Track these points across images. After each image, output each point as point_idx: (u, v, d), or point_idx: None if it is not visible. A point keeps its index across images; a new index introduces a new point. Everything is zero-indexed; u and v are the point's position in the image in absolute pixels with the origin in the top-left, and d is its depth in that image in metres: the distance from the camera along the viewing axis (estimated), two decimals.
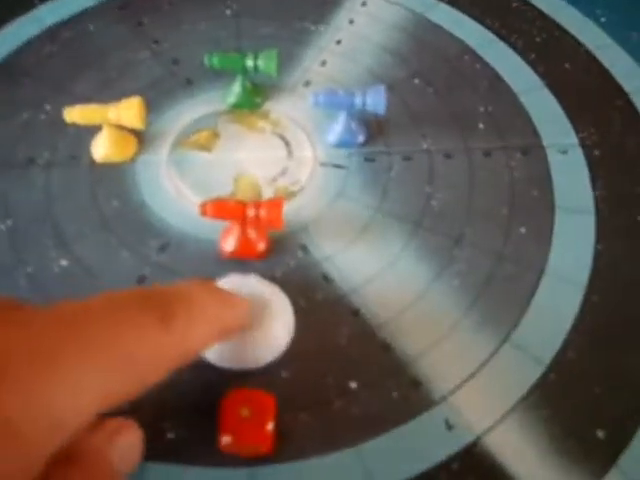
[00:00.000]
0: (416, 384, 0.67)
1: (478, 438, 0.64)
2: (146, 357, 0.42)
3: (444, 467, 0.62)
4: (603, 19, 1.00)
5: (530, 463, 0.62)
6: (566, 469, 0.62)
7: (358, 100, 0.78)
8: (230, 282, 0.68)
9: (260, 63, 0.81)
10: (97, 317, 0.41)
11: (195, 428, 0.63)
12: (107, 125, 0.79)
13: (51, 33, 0.97)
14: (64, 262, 0.74)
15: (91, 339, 0.39)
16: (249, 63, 0.81)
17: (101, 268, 0.73)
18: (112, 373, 0.40)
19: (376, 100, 0.77)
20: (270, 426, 0.60)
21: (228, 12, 0.99)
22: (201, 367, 0.64)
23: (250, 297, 0.65)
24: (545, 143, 0.85)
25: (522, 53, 0.95)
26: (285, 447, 0.62)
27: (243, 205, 0.70)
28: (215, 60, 0.82)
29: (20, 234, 0.76)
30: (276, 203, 0.70)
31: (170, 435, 0.62)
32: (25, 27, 0.97)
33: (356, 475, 0.61)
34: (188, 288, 0.51)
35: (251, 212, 0.69)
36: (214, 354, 0.65)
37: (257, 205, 0.70)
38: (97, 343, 0.39)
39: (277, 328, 0.66)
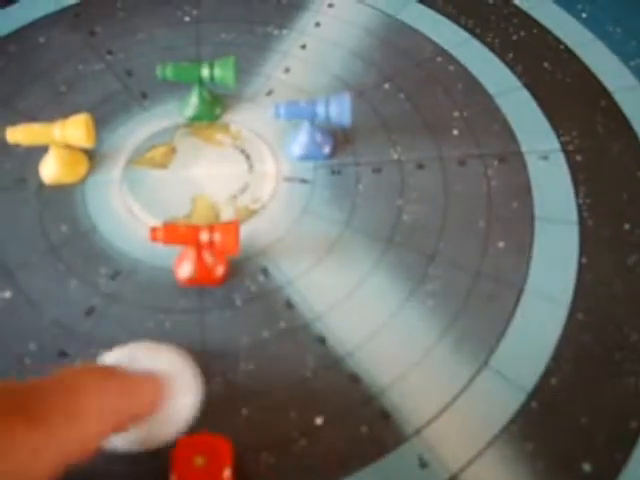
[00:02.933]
0: (386, 417, 0.62)
1: (454, 476, 0.59)
2: (16, 466, 0.37)
3: None
4: (584, 14, 0.95)
5: None
6: (547, 461, 0.58)
7: (321, 110, 0.73)
8: (116, 356, 0.62)
9: (217, 72, 0.76)
10: None
11: None
12: (54, 145, 0.74)
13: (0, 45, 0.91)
14: (7, 294, 0.68)
15: None
16: (205, 73, 0.76)
17: (47, 299, 0.68)
18: None
19: (340, 109, 0.72)
20: (227, 473, 0.55)
21: (187, 19, 0.94)
22: None
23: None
24: (524, 149, 0.80)
25: (499, 52, 0.90)
26: None
27: (196, 230, 0.64)
28: (168, 71, 0.76)
29: None
30: (231, 227, 0.65)
31: None
32: None
33: None
34: (73, 378, 0.46)
35: (205, 237, 0.64)
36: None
37: (211, 229, 0.64)
38: None
39: (179, 402, 0.60)
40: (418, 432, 0.61)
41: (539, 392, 0.63)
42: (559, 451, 0.60)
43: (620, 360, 0.65)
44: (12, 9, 0.96)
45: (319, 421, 0.61)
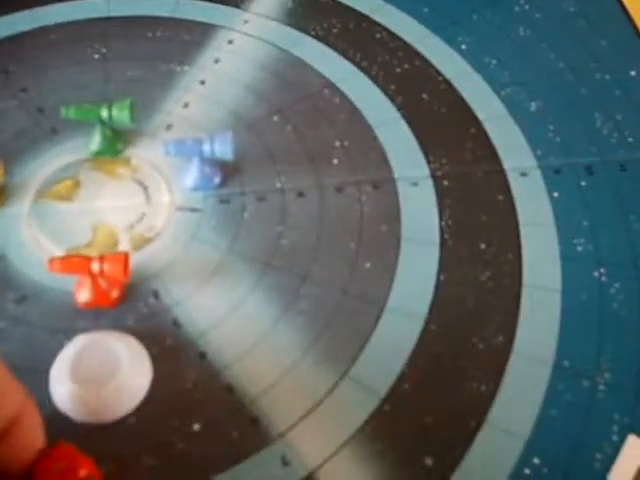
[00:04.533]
0: (255, 422, 0.71)
1: (312, 473, 0.68)
2: None
3: None
4: (464, 46, 1.04)
5: None
6: (396, 457, 0.67)
7: (206, 147, 0.81)
8: (79, 342, 0.71)
9: (114, 113, 0.84)
10: None
11: None
12: None
13: None
14: None
15: None
16: (104, 114, 0.84)
17: None
18: None
19: (223, 147, 0.81)
20: (83, 472, 0.61)
21: (96, 56, 1.01)
22: None
23: (101, 353, 0.69)
24: (397, 176, 0.89)
25: (382, 85, 0.99)
26: None
27: (88, 260, 0.73)
28: (71, 112, 0.84)
29: None
30: (119, 257, 0.73)
31: None
32: None
33: None
34: None
35: (95, 267, 0.73)
36: (71, 409, 0.68)
37: (101, 259, 0.73)
38: None
39: (132, 379, 0.70)
40: (282, 435, 0.70)
41: (391, 396, 0.73)
42: (405, 448, 0.70)
43: (466, 366, 0.75)
44: None
45: (197, 427, 0.70)
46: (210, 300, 0.78)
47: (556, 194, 0.87)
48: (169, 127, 0.93)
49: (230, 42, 1.04)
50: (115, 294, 0.77)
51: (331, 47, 1.04)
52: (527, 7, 1.11)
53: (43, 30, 1.05)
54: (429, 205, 0.87)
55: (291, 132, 0.93)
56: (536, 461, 0.69)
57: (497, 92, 0.99)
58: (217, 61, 1.01)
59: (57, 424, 0.69)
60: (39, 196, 0.86)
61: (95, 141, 0.89)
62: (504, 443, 0.70)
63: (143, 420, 0.71)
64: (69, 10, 1.07)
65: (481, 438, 0.70)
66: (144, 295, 0.79)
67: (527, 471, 0.68)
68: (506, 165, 0.90)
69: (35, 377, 0.72)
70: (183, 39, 1.04)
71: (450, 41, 1.05)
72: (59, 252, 0.81)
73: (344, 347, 0.75)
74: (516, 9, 1.10)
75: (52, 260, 0.73)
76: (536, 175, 0.89)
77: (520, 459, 0.69)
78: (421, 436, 0.70)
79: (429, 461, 0.69)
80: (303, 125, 0.94)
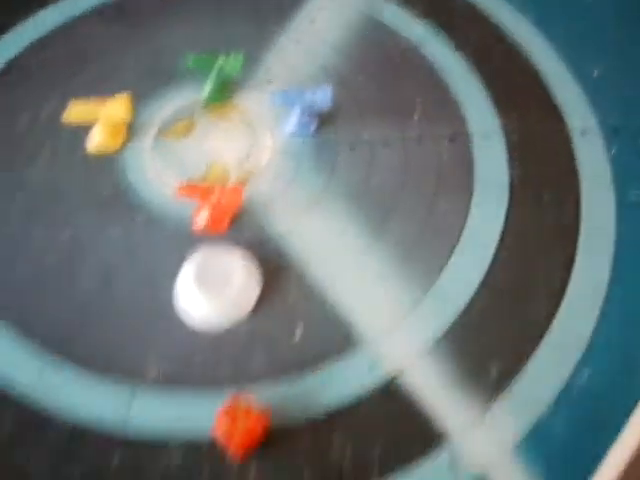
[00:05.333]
0: (348, 330, 0.84)
1: (395, 376, 0.81)
2: None
3: (368, 399, 0.79)
4: (534, 15, 1.15)
5: (440, 395, 0.80)
6: (468, 396, 0.80)
7: (308, 98, 0.94)
8: (201, 258, 0.85)
9: (228, 65, 0.97)
10: None
11: None
12: (99, 119, 0.95)
13: (52, 36, 1.12)
14: (67, 233, 0.91)
15: None
16: (219, 64, 0.97)
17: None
18: None
19: (322, 98, 0.94)
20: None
21: (206, 16, 1.14)
22: None
23: (220, 267, 0.83)
24: (471, 130, 1.01)
25: (459, 48, 1.10)
26: None
27: (210, 189, 0.86)
28: (192, 61, 0.98)
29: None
30: (235, 190, 0.87)
31: None
32: (28, 31, 1.13)
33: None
34: None
35: (216, 195, 0.86)
36: (192, 312, 0.83)
37: (221, 190, 0.86)
38: None
39: (244, 291, 0.84)
40: (370, 342, 0.83)
41: (468, 311, 0.85)
42: (475, 357, 0.82)
43: (529, 291, 0.87)
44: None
45: (298, 333, 0.83)
46: (308, 228, 0.91)
47: (613, 151, 0.98)
48: (270, 81, 1.06)
49: (323, 8, 1.15)
50: (226, 222, 0.90)
51: (413, 14, 1.15)
52: None
53: None
54: (499, 156, 0.98)
55: (376, 89, 1.05)
56: (587, 373, 0.81)
57: (563, 58, 1.09)
58: (312, 22, 1.13)
59: (185, 333, 0.83)
60: (160, 134, 1.00)
61: (209, 88, 1.02)
62: (560, 358, 0.82)
63: (252, 325, 0.84)
64: None
65: (541, 351, 0.82)
66: (252, 223, 0.92)
67: (579, 382, 0.80)
68: (569, 123, 1.01)
69: (161, 288, 0.86)
70: (282, 3, 1.16)
71: (521, 9, 1.15)
72: (177, 182, 0.94)
73: (425, 270, 0.88)
74: None
75: (181, 186, 0.86)
76: (596, 133, 1.00)
77: (573, 371, 0.81)
78: (490, 347, 0.83)
79: (495, 369, 0.81)
80: (387, 83, 1.06)
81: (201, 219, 0.90)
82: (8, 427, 0.78)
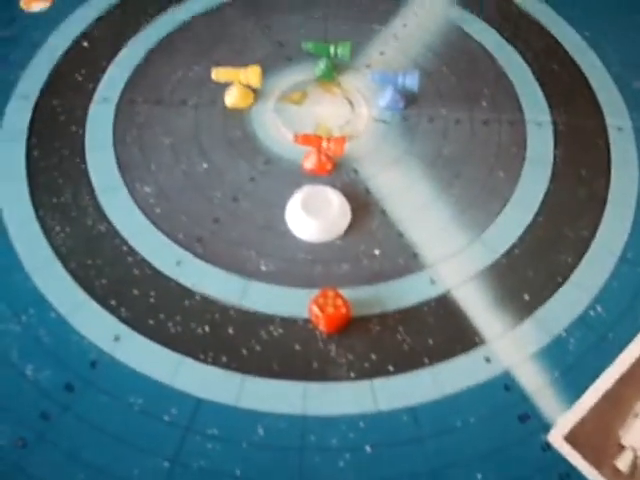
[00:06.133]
0: (415, 256, 1.09)
1: (449, 290, 1.06)
2: None
3: (426, 305, 1.04)
4: (587, 33, 1.40)
5: (482, 309, 1.05)
6: (504, 292, 1.05)
7: (400, 79, 1.21)
8: (308, 190, 1.12)
9: (339, 51, 1.25)
10: None
11: None
12: (237, 82, 1.23)
13: (198, 17, 1.42)
14: (204, 165, 1.19)
15: None
16: (332, 50, 1.25)
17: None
18: None
19: (412, 81, 1.20)
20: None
21: (320, 12, 1.42)
22: None
23: (322, 198, 1.10)
24: (527, 118, 1.26)
25: (523, 54, 1.36)
26: None
27: (320, 138, 1.13)
28: (310, 46, 1.25)
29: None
30: (341, 140, 1.13)
31: None
32: (180, 13, 1.42)
33: None
34: None
35: (325, 143, 1.13)
36: (300, 230, 1.10)
37: (328, 139, 1.13)
38: None
39: (339, 216, 1.11)
40: (431, 265, 1.08)
41: (506, 255, 1.10)
42: (511, 289, 1.07)
43: (560, 244, 1.11)
44: None
45: (377, 252, 1.09)
46: (391, 180, 1.17)
47: None
48: (368, 66, 1.33)
49: (415, 13, 1.42)
50: (329, 166, 1.17)
51: (488, 24, 1.41)
52: None
53: None
54: (547, 141, 1.23)
55: (455, 81, 1.31)
56: (599, 309, 1.05)
57: (609, 70, 1.34)
58: (405, 26, 1.40)
59: (292, 243, 1.10)
60: (280, 99, 1.27)
61: (319, 68, 1.29)
62: (578, 295, 1.06)
63: (342, 244, 1.10)
64: None
65: (563, 289, 1.07)
66: (348, 170, 1.18)
67: (592, 313, 1.04)
68: (607, 121, 1.25)
69: (275, 211, 1.13)
70: (381, 7, 1.43)
71: (578, 29, 1.40)
72: (291, 135, 1.21)
73: (479, 221, 1.13)
74: (634, 15, 1.45)
75: (296, 135, 1.13)
76: (629, 131, 1.24)
77: (587, 307, 1.05)
78: (524, 281, 1.07)
79: (526, 296, 1.05)
80: (463, 76, 1.32)
81: (309, 162, 1.16)
82: (154, 299, 1.05)
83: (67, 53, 1.36)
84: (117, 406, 0.95)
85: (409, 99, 1.27)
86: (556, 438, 0.92)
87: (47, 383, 0.97)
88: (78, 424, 0.93)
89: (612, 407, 0.95)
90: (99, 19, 1.42)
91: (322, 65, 1.29)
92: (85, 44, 1.38)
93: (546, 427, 0.94)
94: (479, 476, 0.90)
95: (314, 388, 0.97)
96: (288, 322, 1.03)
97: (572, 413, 0.94)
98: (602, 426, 0.93)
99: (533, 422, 0.94)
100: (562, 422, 0.93)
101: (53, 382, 0.97)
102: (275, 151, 1.21)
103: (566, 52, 1.37)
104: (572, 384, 0.98)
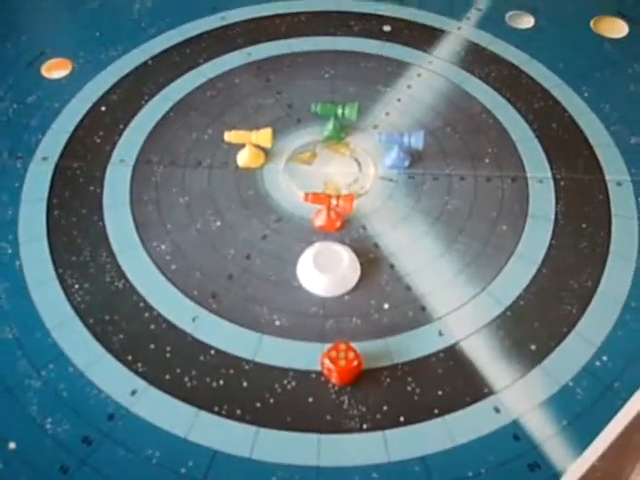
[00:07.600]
0: (423, 310, 1.12)
1: (457, 343, 1.09)
2: None
3: (435, 357, 1.07)
4: (586, 94, 1.45)
5: (489, 360, 1.07)
6: (511, 342, 1.08)
7: (406, 139, 1.25)
8: (318, 247, 1.16)
9: (346, 111, 1.30)
10: None
11: None
12: (249, 144, 1.29)
13: (211, 83, 1.48)
14: (218, 223, 1.23)
15: None
16: (339, 111, 1.30)
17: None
18: None
19: (417, 140, 1.25)
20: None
21: (327, 75, 1.48)
22: None
23: (332, 254, 1.14)
24: (529, 175, 1.30)
25: (523, 114, 1.41)
26: None
27: (329, 197, 1.18)
28: (318, 108, 1.30)
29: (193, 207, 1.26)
30: (349, 197, 1.17)
31: None
32: (194, 78, 1.49)
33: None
34: None
35: (334, 201, 1.17)
36: (311, 285, 1.13)
37: (337, 197, 1.17)
38: None
39: (349, 272, 1.14)
40: (440, 318, 1.11)
41: (511, 307, 1.13)
42: (518, 338, 1.09)
43: (564, 296, 1.14)
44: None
45: (386, 306, 1.12)
46: (398, 235, 1.21)
47: None
48: (375, 126, 1.38)
49: (419, 75, 1.49)
50: (339, 224, 1.21)
51: (489, 85, 1.47)
52: (637, 69, 1.52)
53: (294, 55, 1.54)
54: (549, 196, 1.27)
55: (458, 139, 1.36)
56: (604, 358, 1.07)
57: (607, 127, 1.39)
58: (409, 87, 1.46)
59: (304, 298, 1.13)
60: (290, 159, 1.32)
61: (327, 129, 1.34)
62: (583, 346, 1.08)
63: (352, 298, 1.14)
64: (310, 43, 1.55)
65: (569, 339, 1.09)
66: (356, 227, 1.23)
67: (597, 363, 1.06)
68: (607, 176, 1.30)
69: (287, 267, 1.17)
70: (386, 70, 1.49)
71: (576, 88, 1.46)
72: (302, 194, 1.25)
73: (485, 274, 1.16)
74: (629, 70, 1.51)
75: (307, 194, 1.18)
76: (628, 185, 1.29)
77: (593, 357, 1.07)
78: (530, 332, 1.10)
79: (533, 347, 1.08)
80: (466, 135, 1.37)
81: (320, 219, 1.21)
82: (170, 353, 1.08)
83: (86, 117, 1.42)
84: (134, 459, 0.97)
85: (414, 158, 1.32)
86: None
87: (66, 436, 0.99)
88: (96, 477, 0.96)
89: (621, 454, 0.96)
90: (116, 85, 1.48)
91: (330, 126, 1.34)
92: (103, 108, 1.44)
93: (556, 476, 0.95)
94: None
95: (327, 440, 0.99)
96: (301, 375, 1.05)
97: (582, 461, 0.95)
98: (612, 473, 0.95)
99: (543, 471, 0.96)
100: (572, 470, 0.95)
101: (71, 435, 0.99)
102: (286, 209, 1.26)
103: (565, 111, 1.42)
104: (580, 433, 1.00)
